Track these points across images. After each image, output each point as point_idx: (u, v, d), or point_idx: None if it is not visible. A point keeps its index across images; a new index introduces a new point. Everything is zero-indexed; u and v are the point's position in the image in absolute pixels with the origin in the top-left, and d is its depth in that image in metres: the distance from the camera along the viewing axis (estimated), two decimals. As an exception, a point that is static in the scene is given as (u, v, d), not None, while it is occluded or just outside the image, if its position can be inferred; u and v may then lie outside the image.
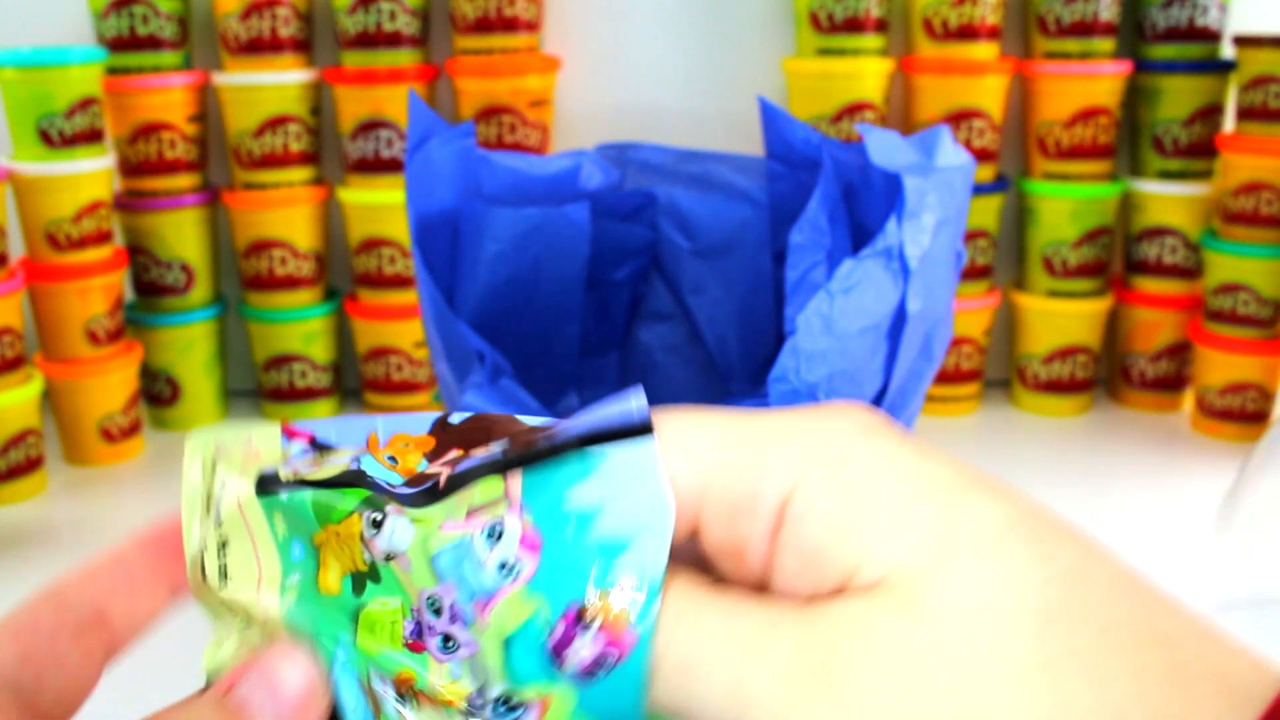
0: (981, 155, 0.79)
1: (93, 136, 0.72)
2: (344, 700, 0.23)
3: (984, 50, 0.78)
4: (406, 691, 0.22)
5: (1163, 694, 0.17)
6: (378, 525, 0.22)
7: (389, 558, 0.22)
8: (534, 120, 0.79)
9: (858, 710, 0.18)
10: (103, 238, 0.73)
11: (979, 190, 0.79)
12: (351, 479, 0.23)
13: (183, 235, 0.79)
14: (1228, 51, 0.78)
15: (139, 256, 0.79)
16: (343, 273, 0.85)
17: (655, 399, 0.67)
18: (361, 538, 0.23)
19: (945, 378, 0.82)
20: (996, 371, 0.88)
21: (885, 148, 0.45)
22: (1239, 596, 0.52)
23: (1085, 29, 0.77)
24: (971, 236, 0.80)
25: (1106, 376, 0.87)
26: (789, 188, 0.55)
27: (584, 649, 0.20)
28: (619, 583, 0.20)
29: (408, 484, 0.23)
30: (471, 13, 0.77)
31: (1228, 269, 0.76)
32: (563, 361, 0.57)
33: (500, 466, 0.22)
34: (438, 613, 0.22)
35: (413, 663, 0.22)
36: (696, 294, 0.59)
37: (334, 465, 0.23)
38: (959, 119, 0.78)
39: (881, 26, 0.78)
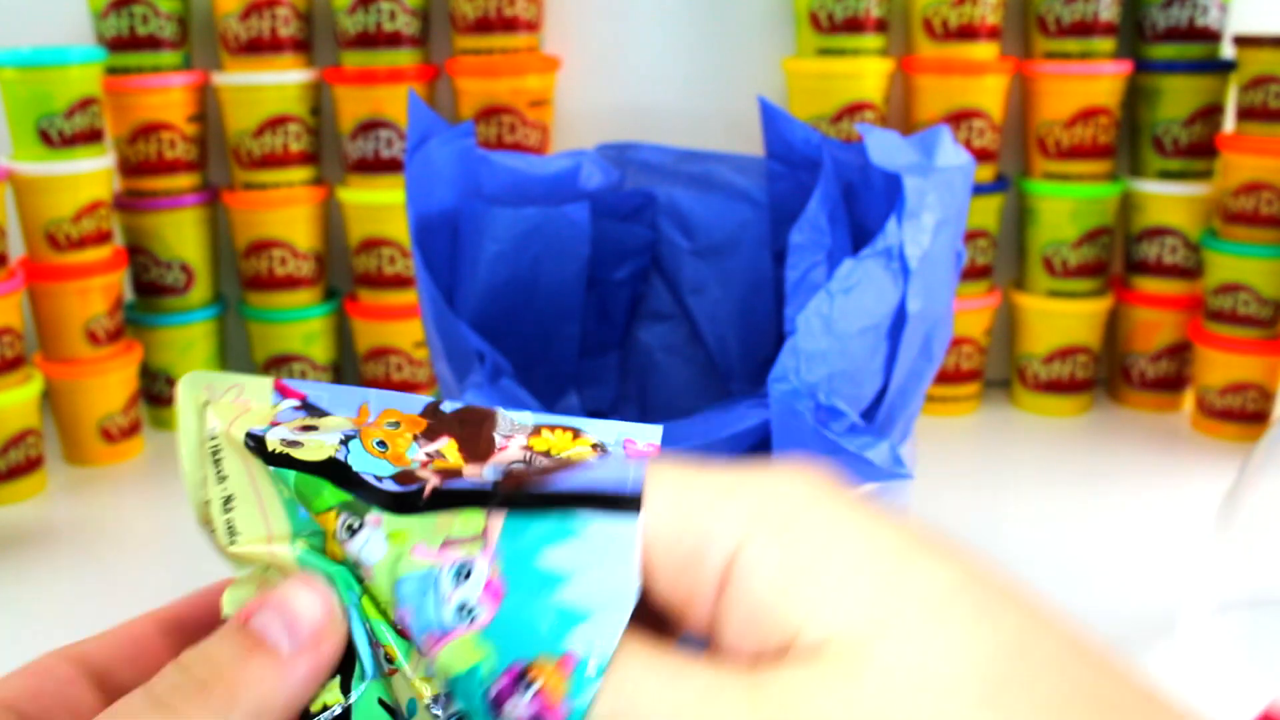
0: (981, 155, 0.79)
1: (92, 136, 0.72)
2: (357, 642, 0.23)
3: (984, 50, 0.78)
4: (389, 665, 0.23)
5: None
6: (352, 531, 0.22)
7: (356, 564, 0.22)
8: (534, 120, 0.79)
9: None
10: (102, 238, 0.73)
11: (979, 190, 0.79)
12: (336, 473, 0.23)
13: (183, 235, 0.79)
14: (1228, 51, 0.78)
15: (139, 256, 0.79)
16: (343, 273, 0.85)
17: (655, 399, 0.67)
18: (335, 535, 0.23)
19: (945, 378, 0.82)
20: (996, 371, 0.87)
21: (885, 148, 0.45)
22: (1239, 596, 0.52)
23: (1085, 29, 0.77)
24: (971, 236, 0.80)
25: (1106, 376, 0.87)
26: (789, 188, 0.55)
27: (519, 708, 0.20)
28: (569, 652, 0.20)
29: (395, 479, 0.23)
30: (471, 13, 0.77)
31: (1228, 269, 0.76)
32: (563, 361, 0.57)
33: (487, 500, 0.22)
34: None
35: (396, 645, 0.22)
36: (696, 294, 0.59)
37: (321, 442, 0.23)
38: (959, 119, 0.78)
39: (881, 26, 0.78)
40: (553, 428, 0.24)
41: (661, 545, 0.21)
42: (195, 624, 0.26)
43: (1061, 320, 0.82)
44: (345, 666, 0.23)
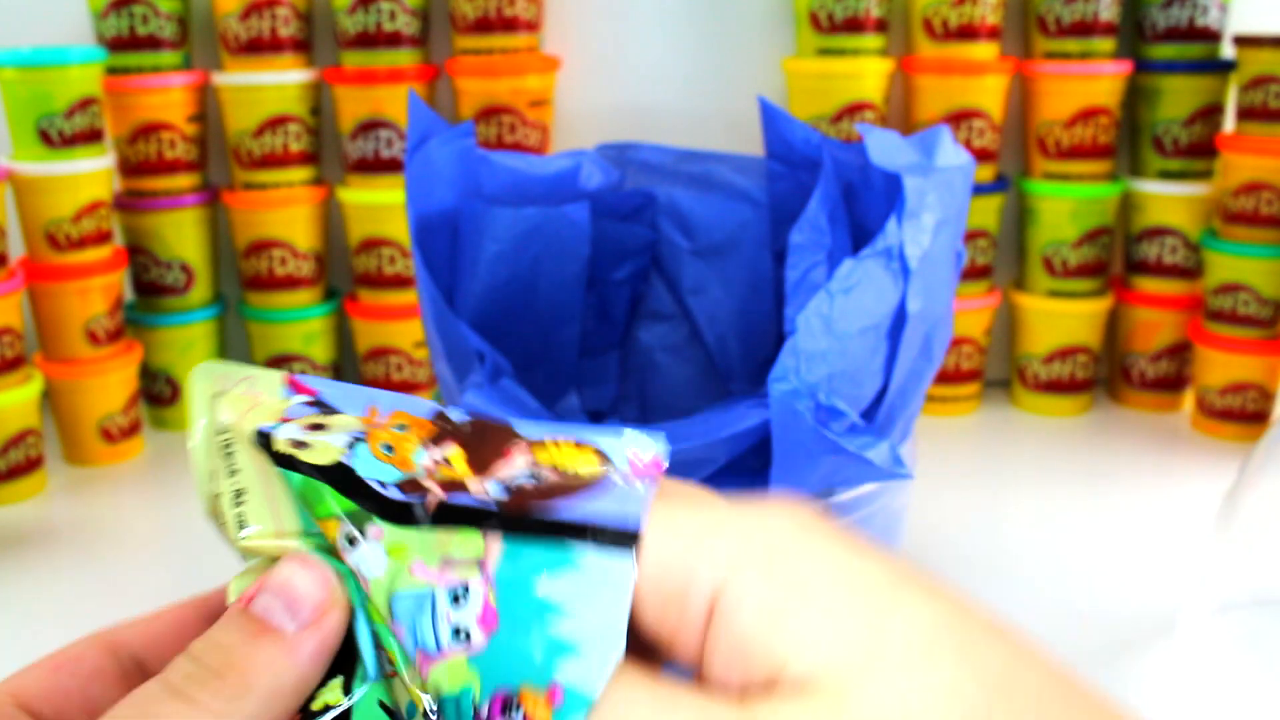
0: (981, 155, 0.79)
1: (92, 136, 0.72)
2: (361, 643, 0.23)
3: (984, 50, 0.78)
4: (390, 668, 0.23)
5: None
6: (352, 542, 0.22)
7: (354, 573, 0.23)
8: (534, 120, 0.79)
9: None
10: (102, 238, 0.73)
11: (979, 190, 0.79)
12: (340, 479, 0.23)
13: (183, 235, 0.79)
14: (1228, 51, 0.78)
15: (139, 256, 0.79)
16: (343, 273, 0.85)
17: (655, 399, 0.67)
18: (336, 544, 0.23)
19: (945, 378, 0.82)
20: (996, 371, 0.87)
21: (885, 148, 0.45)
22: (1239, 596, 0.52)
23: (1085, 29, 0.77)
24: (971, 236, 0.80)
25: (1106, 376, 0.87)
26: (789, 188, 0.55)
27: None
28: (557, 683, 0.21)
29: (399, 486, 0.23)
30: (471, 13, 0.77)
31: (1228, 269, 0.76)
32: (563, 361, 0.57)
33: (488, 520, 0.22)
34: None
35: (397, 652, 0.22)
36: (696, 294, 0.59)
37: (329, 444, 0.23)
38: (959, 119, 0.78)
39: (881, 26, 0.78)
40: (558, 441, 0.24)
41: (649, 578, 0.21)
42: None
43: (1061, 320, 0.82)
44: (348, 666, 0.23)
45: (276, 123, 0.78)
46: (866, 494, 0.47)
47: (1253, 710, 0.47)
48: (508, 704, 0.21)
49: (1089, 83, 0.77)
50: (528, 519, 0.22)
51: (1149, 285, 0.82)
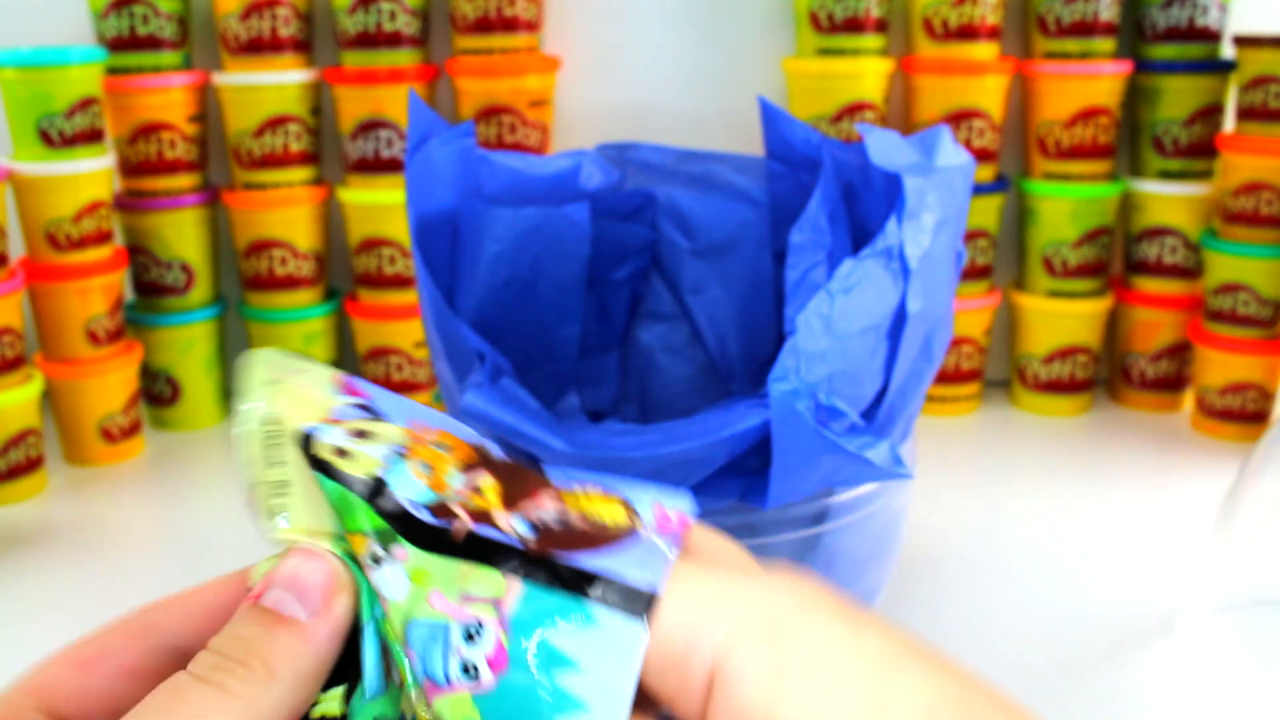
0: (981, 155, 0.79)
1: (93, 136, 0.72)
2: (365, 658, 0.23)
3: (984, 50, 0.78)
4: (399, 680, 0.23)
5: None
6: (377, 561, 0.23)
7: (374, 589, 0.23)
8: (534, 120, 0.79)
9: None
10: (103, 238, 0.73)
11: (979, 190, 0.79)
12: (373, 493, 0.23)
13: (183, 235, 0.79)
14: (1228, 51, 0.78)
15: (139, 256, 0.79)
16: (343, 273, 0.85)
17: (655, 399, 0.67)
18: (361, 560, 0.23)
19: (945, 378, 0.82)
20: (996, 371, 0.88)
21: (885, 148, 0.45)
22: (1239, 596, 0.52)
23: (1085, 29, 0.77)
24: (971, 236, 0.80)
25: (1106, 376, 0.87)
26: (789, 188, 0.55)
27: None
28: None
29: (430, 509, 0.23)
30: (471, 13, 0.77)
31: (1228, 269, 0.76)
32: (563, 361, 0.57)
33: (511, 558, 0.22)
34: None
35: (408, 672, 0.22)
36: (696, 294, 0.59)
37: (369, 455, 0.23)
38: (959, 119, 0.78)
39: (881, 26, 0.78)
40: (587, 489, 0.24)
41: (652, 641, 0.21)
42: None
43: (1061, 320, 0.82)
44: (350, 677, 0.23)
45: (277, 123, 0.78)
46: (866, 494, 0.47)
47: (1253, 710, 0.47)
48: None
49: (1089, 83, 0.77)
50: (550, 563, 0.22)
51: (1149, 285, 0.82)
